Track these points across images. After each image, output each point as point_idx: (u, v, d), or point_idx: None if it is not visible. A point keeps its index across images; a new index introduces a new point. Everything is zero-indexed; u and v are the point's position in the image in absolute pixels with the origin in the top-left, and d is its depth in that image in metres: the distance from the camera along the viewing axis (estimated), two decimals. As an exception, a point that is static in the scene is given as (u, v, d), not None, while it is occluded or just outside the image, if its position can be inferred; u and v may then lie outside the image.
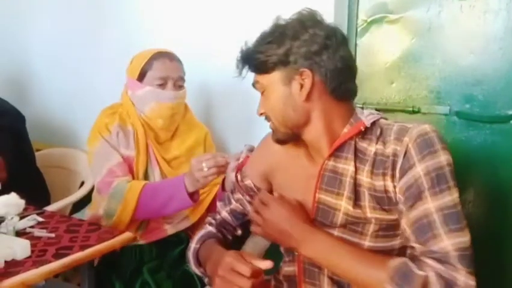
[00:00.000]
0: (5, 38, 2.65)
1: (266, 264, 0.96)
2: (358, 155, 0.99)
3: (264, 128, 1.13)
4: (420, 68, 1.66)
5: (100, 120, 1.62)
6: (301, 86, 0.99)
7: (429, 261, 0.87)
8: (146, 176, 1.61)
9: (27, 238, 1.27)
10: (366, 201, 0.97)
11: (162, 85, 1.57)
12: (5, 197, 1.35)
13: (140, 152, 1.60)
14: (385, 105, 1.72)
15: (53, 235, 1.32)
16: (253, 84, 1.07)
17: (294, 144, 1.09)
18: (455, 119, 1.62)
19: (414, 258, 0.90)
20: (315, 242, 0.97)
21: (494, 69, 1.54)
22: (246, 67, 1.06)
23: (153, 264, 1.57)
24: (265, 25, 1.04)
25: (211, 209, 1.60)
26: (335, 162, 1.01)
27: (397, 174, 0.93)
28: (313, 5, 1.06)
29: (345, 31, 1.64)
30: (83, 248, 1.25)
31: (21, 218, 1.38)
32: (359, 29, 1.75)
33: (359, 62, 1.47)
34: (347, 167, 0.99)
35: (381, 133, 0.98)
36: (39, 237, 1.31)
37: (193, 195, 1.49)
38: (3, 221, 1.32)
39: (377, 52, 1.72)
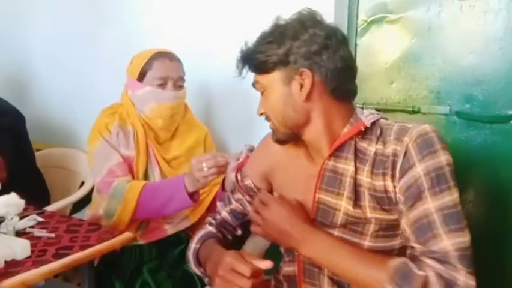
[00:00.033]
0: (5, 38, 2.65)
1: (266, 264, 0.96)
2: (358, 155, 0.99)
3: (264, 128, 1.13)
4: (420, 68, 1.65)
5: (100, 120, 1.62)
6: (301, 86, 0.99)
7: (429, 261, 0.87)
8: (146, 176, 1.61)
9: (27, 238, 1.27)
10: (366, 201, 0.97)
11: (162, 85, 1.57)
12: (5, 197, 1.35)
13: (140, 152, 1.60)
14: (385, 105, 1.72)
15: (53, 235, 1.32)
16: (253, 84, 1.07)
17: (294, 144, 1.09)
18: (455, 119, 1.62)
19: (414, 258, 0.90)
20: (315, 242, 0.97)
21: (494, 69, 1.54)
22: (246, 67, 1.06)
23: (153, 264, 1.57)
24: (265, 25, 1.04)
25: (211, 209, 1.60)
26: (334, 162, 1.01)
27: (397, 174, 0.93)
28: (313, 5, 1.06)
29: (345, 31, 1.64)
30: (83, 248, 1.25)
31: (21, 218, 1.38)
32: (359, 29, 1.74)
33: (359, 62, 1.47)
34: (347, 167, 0.99)
35: (381, 133, 0.98)
36: (39, 237, 1.31)
37: (193, 195, 1.49)
38: (3, 221, 1.32)
39: (377, 52, 1.72)
